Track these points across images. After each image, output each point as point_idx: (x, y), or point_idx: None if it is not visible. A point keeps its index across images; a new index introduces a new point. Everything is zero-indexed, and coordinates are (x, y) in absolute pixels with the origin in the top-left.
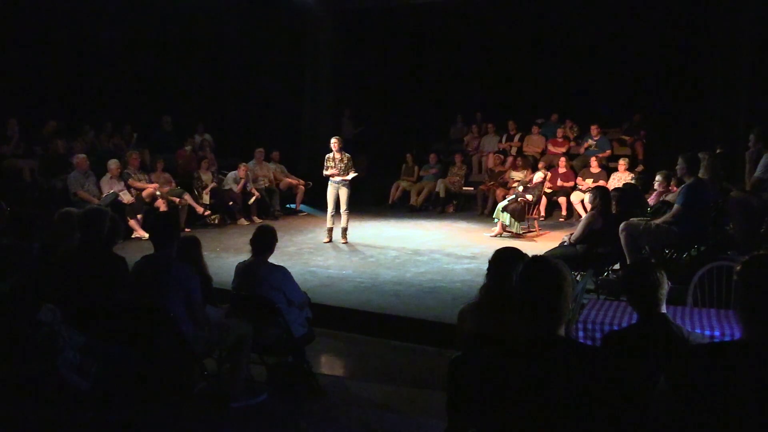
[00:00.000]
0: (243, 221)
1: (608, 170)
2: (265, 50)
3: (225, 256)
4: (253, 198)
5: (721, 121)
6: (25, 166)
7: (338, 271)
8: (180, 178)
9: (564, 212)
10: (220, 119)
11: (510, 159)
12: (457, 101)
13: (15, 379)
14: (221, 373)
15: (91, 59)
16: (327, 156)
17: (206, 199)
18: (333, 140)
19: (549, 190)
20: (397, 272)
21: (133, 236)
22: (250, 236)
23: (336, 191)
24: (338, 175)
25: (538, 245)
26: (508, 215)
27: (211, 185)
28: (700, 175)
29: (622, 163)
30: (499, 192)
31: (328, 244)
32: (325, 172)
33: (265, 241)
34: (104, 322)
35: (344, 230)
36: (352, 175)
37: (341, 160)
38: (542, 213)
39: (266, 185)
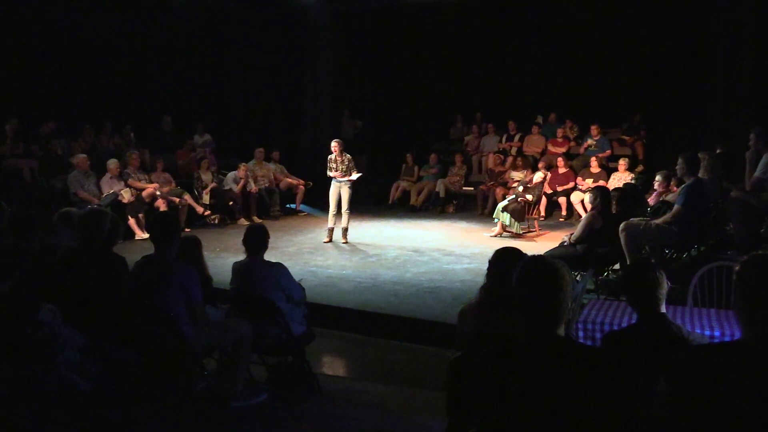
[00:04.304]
0: (243, 221)
1: (608, 170)
2: (265, 50)
3: (225, 256)
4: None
5: (721, 121)
6: (25, 166)
7: (338, 271)
8: (180, 178)
9: (564, 212)
10: (220, 119)
11: (510, 159)
12: (457, 101)
13: (15, 379)
14: (221, 373)
15: (91, 60)
16: (329, 157)
17: (206, 199)
18: (333, 143)
19: (549, 191)
20: (397, 272)
21: (133, 237)
22: None
23: (338, 190)
24: (341, 176)
25: (538, 245)
26: (508, 215)
27: (211, 185)
28: (700, 175)
29: (622, 163)
30: (499, 192)
31: (328, 244)
32: (328, 173)
33: (257, 240)
34: (104, 322)
35: (345, 230)
36: (356, 175)
37: (342, 162)
38: (542, 213)
39: (266, 185)
